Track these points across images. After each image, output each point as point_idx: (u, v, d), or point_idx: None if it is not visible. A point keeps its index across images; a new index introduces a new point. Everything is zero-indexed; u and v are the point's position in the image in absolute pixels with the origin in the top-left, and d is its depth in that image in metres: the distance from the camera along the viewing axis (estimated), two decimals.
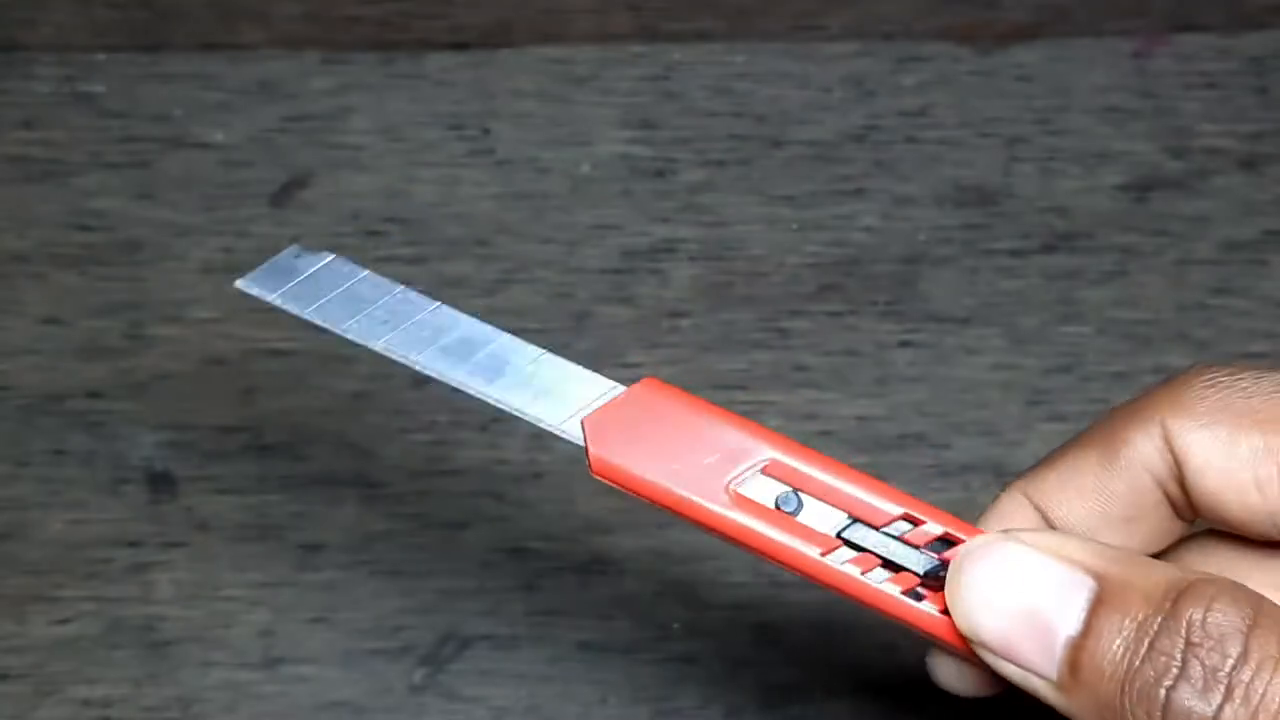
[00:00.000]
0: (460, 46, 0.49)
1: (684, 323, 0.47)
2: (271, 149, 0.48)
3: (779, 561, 0.30)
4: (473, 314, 0.29)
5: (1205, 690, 0.27)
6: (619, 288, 0.47)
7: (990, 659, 0.29)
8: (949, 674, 0.33)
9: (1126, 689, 0.27)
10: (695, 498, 0.30)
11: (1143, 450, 0.31)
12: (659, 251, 0.47)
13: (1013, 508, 0.32)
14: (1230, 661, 0.27)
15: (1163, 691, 0.27)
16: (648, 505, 0.31)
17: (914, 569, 0.30)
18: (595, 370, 0.30)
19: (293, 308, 0.29)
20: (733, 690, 0.44)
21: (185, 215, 0.48)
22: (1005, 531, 0.30)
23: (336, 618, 0.44)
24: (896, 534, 0.31)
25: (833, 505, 0.30)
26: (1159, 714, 0.27)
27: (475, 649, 0.44)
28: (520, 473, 0.45)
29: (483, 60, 0.49)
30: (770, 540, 0.30)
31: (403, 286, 0.29)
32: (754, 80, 0.49)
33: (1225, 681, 0.26)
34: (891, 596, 0.30)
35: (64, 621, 0.44)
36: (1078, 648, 0.28)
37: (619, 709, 0.44)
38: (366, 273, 0.29)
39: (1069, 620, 0.28)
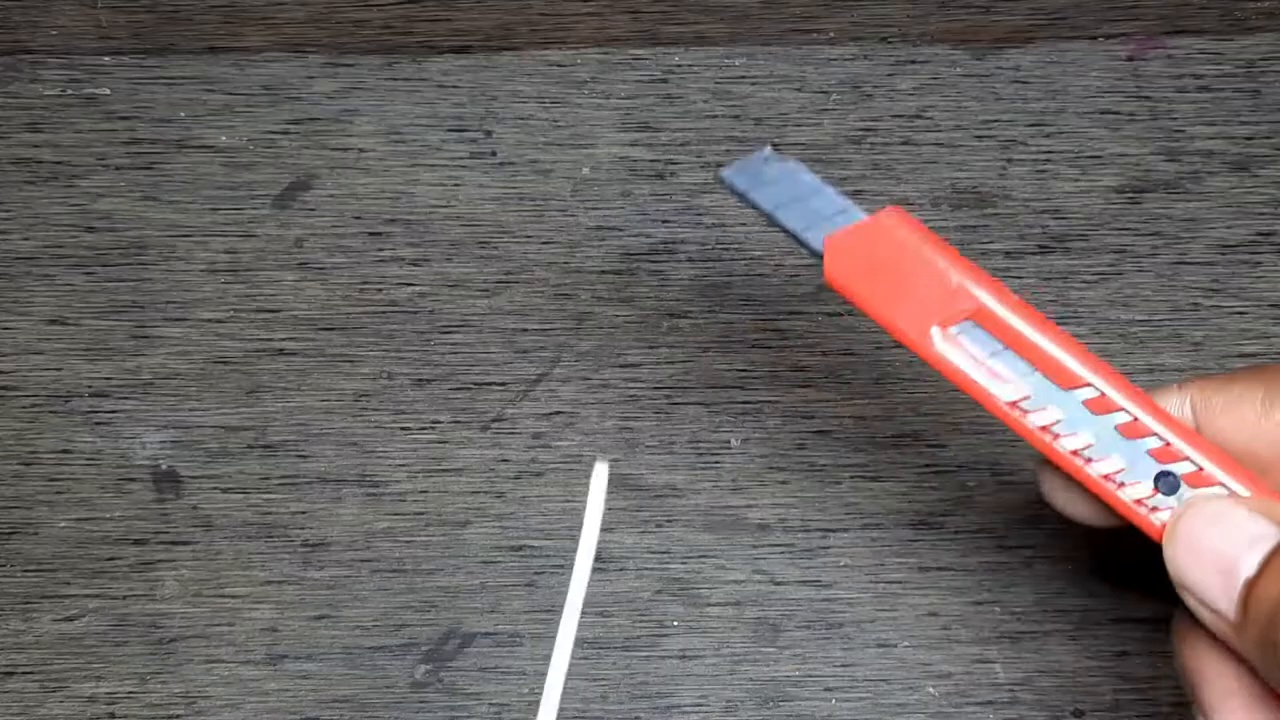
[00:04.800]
0: (462, 50, 0.50)
1: (684, 323, 0.47)
2: (275, 151, 0.49)
3: (971, 395, 0.35)
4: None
5: None
6: (619, 288, 0.47)
7: (1189, 601, 0.33)
8: (1063, 501, 0.36)
9: (1275, 622, 0.30)
10: (903, 326, 0.34)
11: None
12: (659, 253, 0.48)
13: (1171, 406, 0.35)
14: None
15: None
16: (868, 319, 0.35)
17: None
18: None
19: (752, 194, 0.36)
20: (731, 687, 0.44)
21: (190, 217, 0.48)
22: (1223, 496, 0.33)
23: (339, 615, 0.44)
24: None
25: (1030, 363, 0.34)
26: None
27: (477, 646, 0.44)
28: (521, 471, 0.46)
29: (484, 64, 0.49)
30: (963, 376, 0.34)
31: (813, 177, 0.36)
32: (752, 83, 0.49)
33: None
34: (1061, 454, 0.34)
35: (70, 618, 0.44)
36: (1250, 586, 0.31)
37: (618, 706, 0.44)
38: (798, 170, 0.36)
39: (1250, 564, 0.31)
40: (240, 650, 0.44)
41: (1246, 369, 0.36)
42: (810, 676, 0.44)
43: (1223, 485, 0.34)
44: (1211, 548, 0.32)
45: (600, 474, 0.36)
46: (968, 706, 0.44)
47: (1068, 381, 0.34)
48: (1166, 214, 0.48)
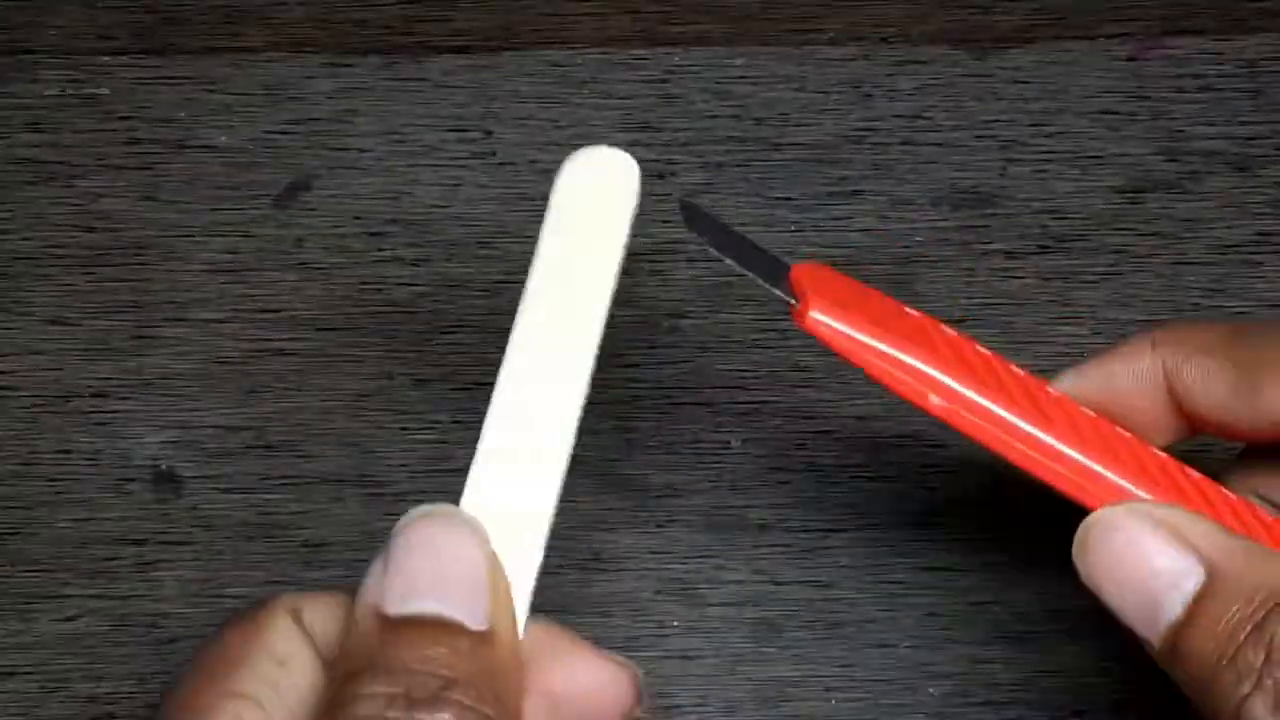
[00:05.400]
0: (462, 50, 0.50)
1: (684, 323, 0.47)
2: (275, 151, 0.49)
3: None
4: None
5: (1275, 708, 0.28)
6: (619, 288, 0.47)
7: (1106, 607, 0.32)
8: None
9: (1213, 683, 0.29)
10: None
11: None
12: (659, 253, 0.48)
13: (1143, 366, 0.36)
14: None
15: (1239, 697, 0.29)
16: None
17: None
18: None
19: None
20: (731, 687, 0.44)
21: (190, 217, 0.48)
22: (1133, 506, 0.32)
23: None
24: None
25: None
26: (1234, 717, 0.29)
27: None
28: None
29: (484, 64, 0.49)
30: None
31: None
32: (753, 83, 0.49)
33: None
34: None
35: (70, 619, 0.45)
36: (1177, 632, 0.30)
37: None
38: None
39: (1174, 605, 0.30)
40: None
41: (1221, 332, 0.36)
42: (810, 677, 0.44)
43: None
44: (1128, 575, 0.31)
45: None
46: (968, 707, 0.44)
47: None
48: (1167, 214, 0.48)
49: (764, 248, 0.36)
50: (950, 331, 0.36)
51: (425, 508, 0.31)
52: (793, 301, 0.35)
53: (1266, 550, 0.31)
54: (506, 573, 0.31)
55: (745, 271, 0.35)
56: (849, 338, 0.34)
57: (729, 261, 0.35)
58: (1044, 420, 0.34)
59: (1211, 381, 0.35)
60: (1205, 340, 0.36)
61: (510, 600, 0.31)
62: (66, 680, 0.44)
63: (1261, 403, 0.34)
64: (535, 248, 0.33)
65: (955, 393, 0.34)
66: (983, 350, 0.36)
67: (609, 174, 0.33)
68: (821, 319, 0.34)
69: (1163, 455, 0.35)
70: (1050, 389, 0.36)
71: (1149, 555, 0.31)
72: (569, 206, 0.33)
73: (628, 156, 0.33)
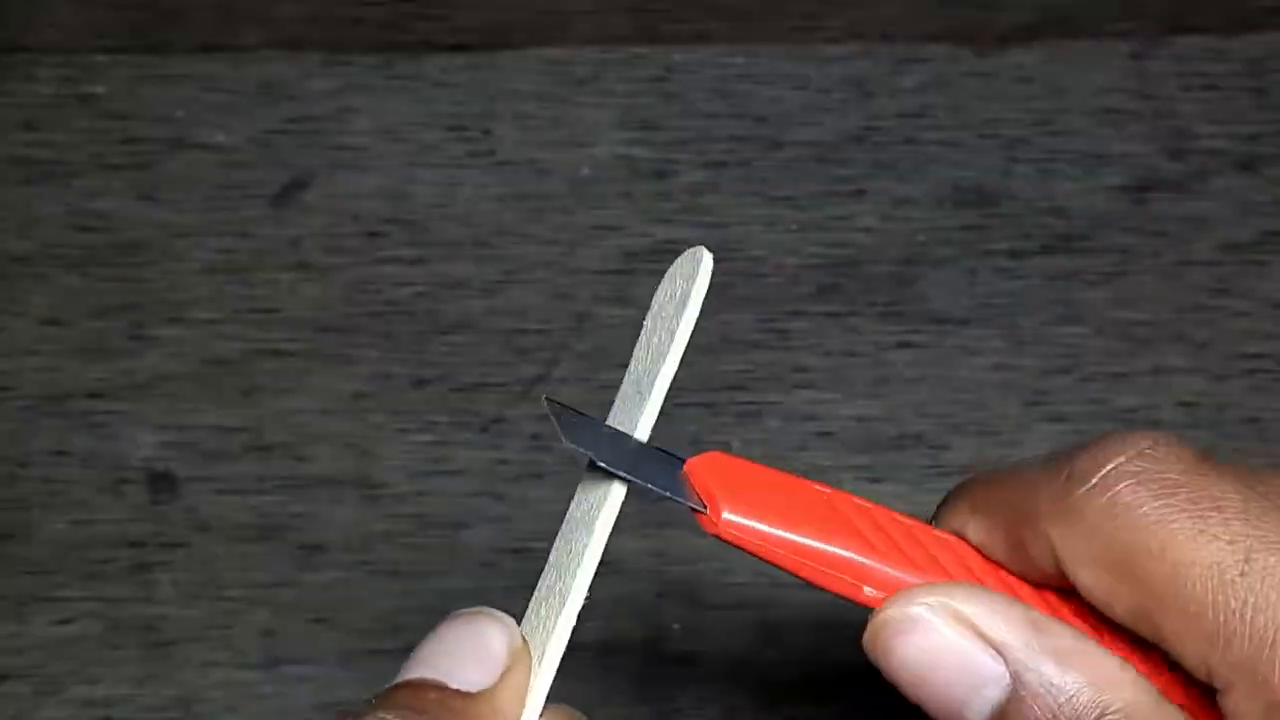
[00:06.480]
0: (460, 48, 0.50)
1: None
2: (272, 150, 0.48)
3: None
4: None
5: None
6: (619, 288, 0.47)
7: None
8: None
9: None
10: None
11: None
12: (659, 252, 0.47)
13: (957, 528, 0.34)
14: None
15: None
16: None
17: None
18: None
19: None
20: (732, 690, 0.44)
21: (186, 216, 0.48)
22: (929, 597, 0.31)
23: (337, 618, 0.44)
24: None
25: None
26: None
27: None
28: (520, 473, 0.45)
29: (483, 62, 0.49)
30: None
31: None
32: (754, 82, 0.49)
33: None
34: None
35: (65, 621, 0.44)
36: None
37: (620, 709, 0.44)
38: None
39: (979, 713, 0.30)
40: (237, 653, 0.44)
41: (999, 490, 0.33)
42: (811, 678, 0.44)
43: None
44: (928, 675, 0.30)
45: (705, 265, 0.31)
46: None
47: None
48: (1171, 213, 0.48)
49: (653, 445, 0.32)
50: (862, 503, 0.32)
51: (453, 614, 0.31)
52: (699, 508, 0.31)
53: (1069, 657, 0.30)
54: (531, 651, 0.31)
55: (643, 485, 0.31)
56: (771, 538, 0.31)
57: (622, 475, 0.31)
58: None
59: (995, 550, 0.33)
60: (987, 511, 0.33)
61: (522, 673, 0.31)
62: (62, 684, 0.44)
63: (1032, 561, 0.32)
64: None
65: (891, 578, 0.31)
66: (900, 518, 0.33)
67: (693, 268, 0.32)
68: (738, 521, 0.31)
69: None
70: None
71: (951, 656, 0.30)
72: (662, 300, 0.33)
73: (707, 252, 0.31)
